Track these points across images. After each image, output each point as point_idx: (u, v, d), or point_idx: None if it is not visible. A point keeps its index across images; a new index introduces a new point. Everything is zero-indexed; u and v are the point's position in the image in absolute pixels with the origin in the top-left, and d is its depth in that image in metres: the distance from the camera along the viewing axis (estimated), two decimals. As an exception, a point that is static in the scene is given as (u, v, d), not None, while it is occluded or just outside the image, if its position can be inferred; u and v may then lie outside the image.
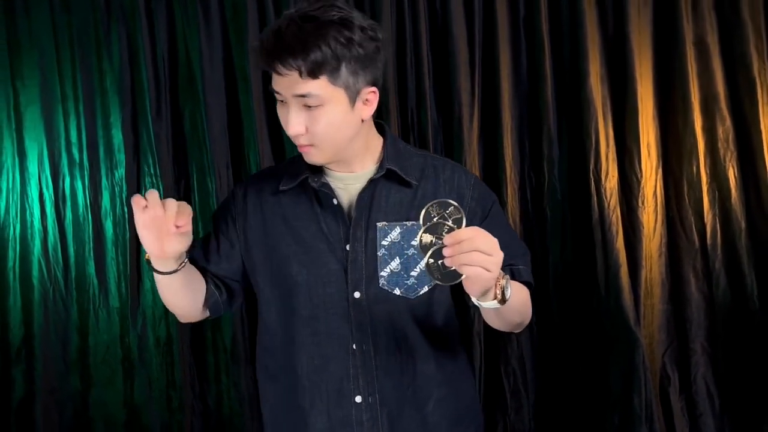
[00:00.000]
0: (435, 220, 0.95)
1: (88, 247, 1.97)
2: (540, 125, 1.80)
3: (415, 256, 1.13)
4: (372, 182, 1.16)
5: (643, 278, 1.74)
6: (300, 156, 1.19)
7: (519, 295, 1.17)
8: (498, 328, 1.20)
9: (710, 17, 1.74)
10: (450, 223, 0.95)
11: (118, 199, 1.96)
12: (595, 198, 1.74)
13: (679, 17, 1.72)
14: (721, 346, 1.74)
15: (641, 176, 1.74)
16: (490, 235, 0.94)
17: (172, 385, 1.97)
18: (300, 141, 1.08)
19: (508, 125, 1.81)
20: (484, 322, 1.65)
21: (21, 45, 1.95)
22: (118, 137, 1.95)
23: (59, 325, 2.00)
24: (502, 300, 1.01)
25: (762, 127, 1.69)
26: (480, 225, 1.21)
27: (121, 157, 1.95)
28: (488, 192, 1.28)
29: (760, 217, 1.70)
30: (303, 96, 1.02)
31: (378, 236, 1.14)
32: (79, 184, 1.98)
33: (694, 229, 1.75)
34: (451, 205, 0.96)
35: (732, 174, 1.72)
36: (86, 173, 1.97)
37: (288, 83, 1.01)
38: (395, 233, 1.12)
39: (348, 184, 1.18)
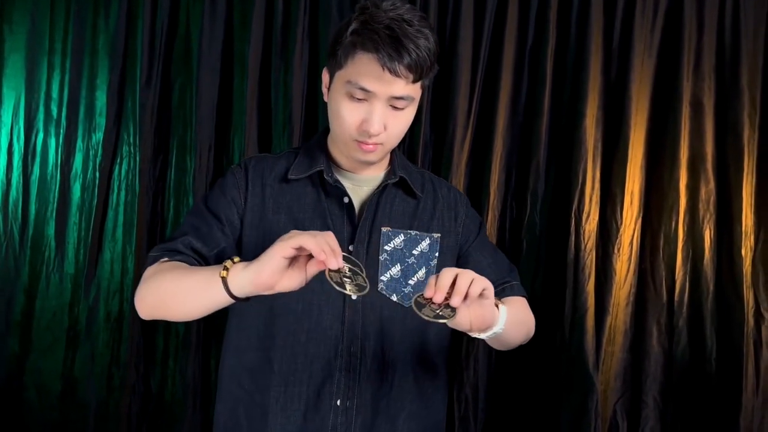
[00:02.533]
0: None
1: (51, 207, 1.90)
2: (530, 158, 1.80)
3: (415, 266, 1.13)
4: (384, 187, 1.17)
5: (608, 325, 1.75)
6: (311, 148, 1.19)
7: (516, 309, 1.18)
8: (502, 349, 1.21)
9: (710, 80, 1.77)
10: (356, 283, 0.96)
11: (91, 163, 1.89)
12: (573, 238, 1.75)
13: (680, 75, 1.74)
14: (674, 402, 1.75)
15: (621, 223, 1.75)
16: (466, 270, 0.95)
17: (115, 363, 1.90)
18: (374, 139, 1.09)
19: (499, 153, 1.81)
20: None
21: (13, -12, 1.88)
22: (101, 100, 1.88)
23: (7, 283, 1.91)
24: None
25: (743, 193, 1.72)
26: (473, 242, 1.24)
27: (101, 120, 1.88)
28: (476, 213, 1.36)
29: (729, 282, 1.72)
30: (400, 98, 1.06)
31: (381, 241, 1.14)
32: (52, 142, 1.90)
33: (663, 284, 1.76)
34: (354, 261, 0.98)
35: (708, 236, 1.74)
36: (62, 131, 1.89)
37: (390, 84, 1.04)
38: (399, 240, 1.12)
39: (357, 185, 1.19)
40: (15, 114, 1.90)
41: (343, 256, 0.93)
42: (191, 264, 1.10)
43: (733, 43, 1.76)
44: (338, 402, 1.12)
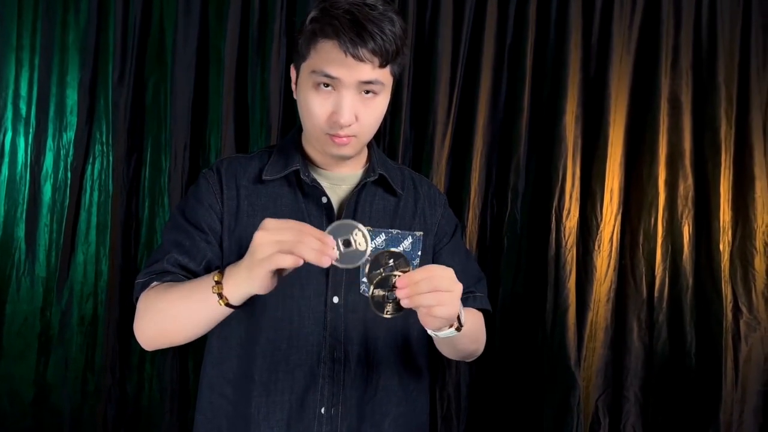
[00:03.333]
0: (383, 272, 0.94)
1: (21, 208, 1.84)
2: (510, 155, 1.80)
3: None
4: (363, 186, 1.14)
5: (589, 321, 1.75)
6: (285, 146, 1.16)
7: (474, 322, 1.16)
8: (452, 358, 1.18)
9: (687, 76, 1.78)
10: (398, 272, 0.95)
11: (62, 163, 1.84)
12: (553, 235, 1.75)
13: (658, 72, 1.75)
14: (654, 397, 1.77)
15: (601, 220, 1.76)
16: (446, 268, 0.94)
17: (90, 368, 1.85)
18: (346, 131, 1.05)
19: (479, 150, 1.80)
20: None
21: (-21, -17, 1.82)
22: (72, 98, 1.83)
23: (-25, 287, 1.85)
24: (459, 327, 1.00)
25: (721, 189, 1.73)
26: (446, 244, 1.21)
27: (72, 119, 1.83)
28: (453, 215, 1.33)
29: (708, 277, 1.73)
30: (368, 83, 1.02)
31: None
32: (21, 141, 1.84)
33: (643, 280, 1.77)
34: (401, 256, 0.96)
35: (687, 231, 1.76)
36: (31, 130, 1.83)
37: (357, 69, 1.01)
38: (379, 240, 1.10)
39: (334, 184, 1.15)
40: (-19, 113, 1.83)
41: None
42: (179, 281, 1.06)
43: (709, 40, 1.77)
44: (323, 410, 1.10)
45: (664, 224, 1.77)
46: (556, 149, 1.75)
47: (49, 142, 1.84)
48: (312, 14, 1.03)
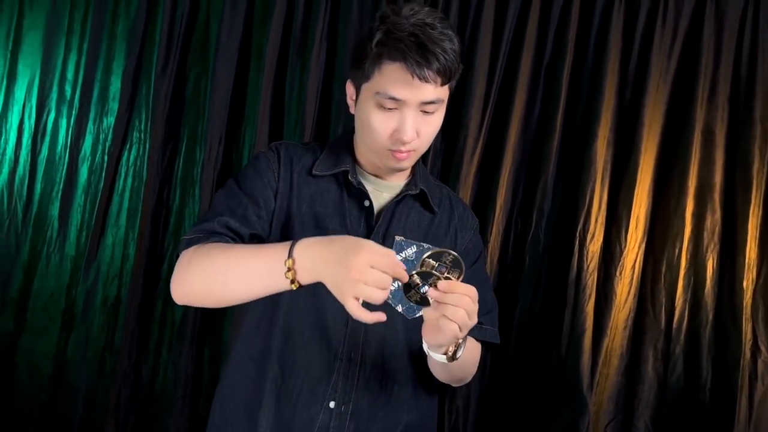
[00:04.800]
0: (435, 266, 0.97)
1: (57, 188, 1.90)
2: (538, 174, 1.80)
3: None
4: (403, 197, 1.17)
5: (605, 347, 1.74)
6: (336, 146, 1.19)
7: (471, 355, 1.17)
8: (439, 378, 1.19)
9: (723, 110, 1.77)
10: (445, 275, 0.97)
11: (100, 147, 1.89)
12: (576, 257, 1.75)
13: (694, 102, 1.75)
14: (665, 429, 1.75)
15: (625, 246, 1.75)
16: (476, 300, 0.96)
17: (109, 348, 1.89)
18: (407, 147, 1.09)
19: (508, 167, 1.81)
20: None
21: (39, -35, 1.88)
22: (116, 85, 1.88)
23: (6, 260, 1.91)
24: (452, 358, 1.02)
25: (749, 225, 1.72)
26: (468, 268, 1.23)
27: (114, 105, 1.88)
28: (481, 242, 1.36)
29: (729, 313, 1.72)
30: (430, 102, 1.05)
31: (393, 249, 1.13)
32: (63, 122, 1.90)
33: (663, 310, 1.76)
34: (460, 265, 0.98)
35: (711, 265, 1.74)
36: (74, 113, 1.89)
37: (421, 90, 1.04)
38: (410, 251, 1.12)
39: (378, 190, 1.19)
40: (28, 92, 1.90)
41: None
42: (228, 242, 1.07)
43: (748, 76, 1.76)
44: (331, 404, 1.12)
45: (688, 256, 1.76)
46: (585, 172, 1.75)
47: (90, 125, 1.89)
48: (377, 37, 1.04)
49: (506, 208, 1.83)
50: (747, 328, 1.71)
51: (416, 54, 1.01)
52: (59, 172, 1.89)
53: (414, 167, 1.25)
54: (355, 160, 1.21)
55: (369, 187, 1.19)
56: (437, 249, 0.96)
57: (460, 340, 1.02)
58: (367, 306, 1.11)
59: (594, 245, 1.75)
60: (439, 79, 1.04)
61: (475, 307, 0.95)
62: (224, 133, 1.85)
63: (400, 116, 1.06)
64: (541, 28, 1.81)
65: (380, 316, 0.90)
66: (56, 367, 1.89)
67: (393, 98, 1.04)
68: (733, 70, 1.78)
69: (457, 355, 1.03)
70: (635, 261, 1.78)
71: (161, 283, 1.87)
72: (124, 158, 1.89)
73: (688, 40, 1.78)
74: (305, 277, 0.93)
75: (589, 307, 1.73)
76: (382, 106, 1.06)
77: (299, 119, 1.81)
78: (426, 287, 0.95)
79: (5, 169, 1.90)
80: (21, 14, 1.88)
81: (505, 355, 1.82)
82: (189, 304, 1.07)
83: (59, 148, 1.90)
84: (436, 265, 0.96)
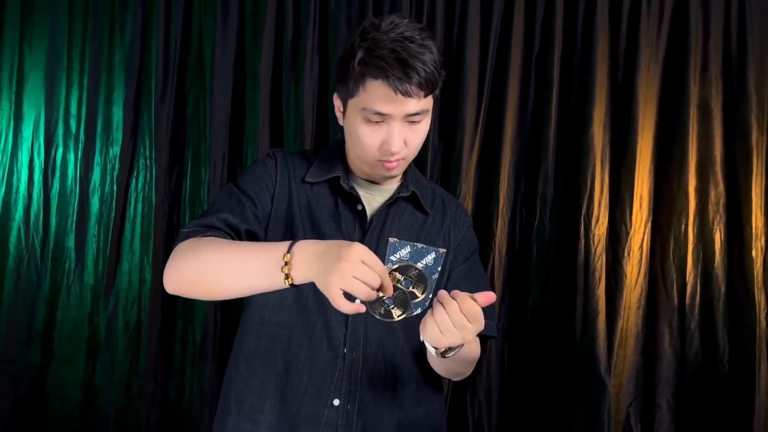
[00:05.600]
0: (399, 284, 0.97)
1: (71, 220, 1.95)
2: (538, 164, 1.82)
3: None
4: (395, 200, 1.19)
5: (619, 328, 1.75)
6: (329, 154, 1.23)
7: (469, 350, 1.18)
8: (439, 372, 1.21)
9: (717, 83, 1.78)
10: (410, 289, 0.98)
11: (108, 177, 1.94)
12: (582, 242, 1.76)
13: (687, 79, 1.76)
14: (687, 405, 1.76)
15: (630, 227, 1.76)
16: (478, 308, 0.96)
17: (134, 371, 1.94)
18: (396, 157, 1.11)
19: (508, 159, 1.83)
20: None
21: (34, 7, 1.94)
22: (118, 115, 1.93)
23: (29, 294, 1.97)
24: (442, 355, 1.03)
25: (753, 195, 1.72)
26: (460, 264, 1.25)
27: (118, 135, 1.93)
28: (475, 238, 1.37)
29: (740, 284, 1.72)
30: (415, 114, 1.08)
31: (388, 251, 1.16)
32: (71, 156, 1.96)
33: (674, 287, 1.77)
34: (425, 280, 0.99)
35: (718, 238, 1.75)
36: (80, 146, 1.95)
37: (405, 104, 1.06)
38: (405, 251, 1.14)
39: (370, 194, 1.22)
40: (35, 130, 1.95)
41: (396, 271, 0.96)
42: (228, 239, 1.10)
43: (739, 47, 1.77)
44: (336, 402, 1.15)
45: (695, 231, 1.77)
46: (584, 157, 1.77)
47: (97, 157, 1.95)
48: (358, 56, 1.06)
49: (509, 199, 1.84)
50: (760, 296, 1.72)
51: (398, 71, 1.03)
52: (72, 204, 1.95)
53: (405, 170, 1.27)
54: (346, 167, 1.24)
55: (361, 192, 1.22)
56: (404, 263, 0.98)
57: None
58: (375, 307, 1.14)
59: (599, 229, 1.76)
60: (421, 92, 1.06)
61: (472, 326, 0.95)
62: (227, 151, 1.89)
63: (387, 129, 1.09)
64: (527, 19, 1.83)
65: (359, 308, 0.91)
66: (85, 394, 1.94)
67: (379, 113, 1.07)
68: (724, 43, 1.79)
69: (447, 355, 1.04)
70: (642, 240, 1.79)
71: (179, 305, 1.91)
72: (133, 185, 1.94)
73: (675, 16, 1.79)
74: (299, 274, 0.94)
75: (600, 290, 1.74)
76: (368, 121, 1.09)
77: (298, 130, 1.84)
78: (391, 302, 0.97)
79: (20, 206, 1.95)
80: (21, 56, 1.94)
81: (522, 345, 1.83)
82: (180, 294, 1.08)
83: (70, 181, 1.95)
84: (402, 278, 0.98)
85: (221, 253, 1.01)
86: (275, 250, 0.96)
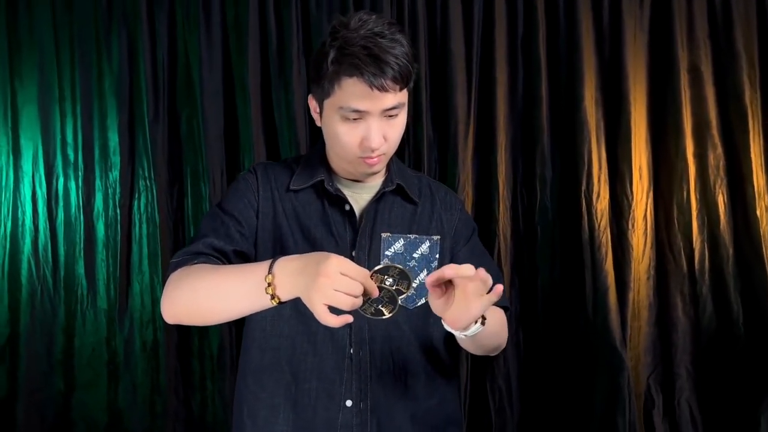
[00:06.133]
0: (382, 284, 0.98)
1: (78, 247, 1.97)
2: (534, 145, 1.82)
3: (416, 268, 1.16)
4: (381, 195, 1.20)
5: (631, 300, 1.75)
6: (310, 159, 1.24)
7: (495, 319, 1.19)
8: (476, 353, 1.22)
9: (705, 46, 1.77)
10: (395, 287, 0.99)
11: (111, 201, 1.96)
12: (585, 219, 1.76)
13: (674, 44, 1.75)
14: (706, 371, 1.75)
15: (632, 199, 1.76)
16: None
17: (156, 390, 1.96)
18: (377, 152, 1.12)
19: (503, 144, 1.83)
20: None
21: (21, 44, 1.95)
22: (114, 139, 1.95)
23: (45, 324, 1.99)
24: (483, 321, 1.04)
25: (752, 155, 1.72)
26: (463, 246, 1.26)
27: (116, 159, 1.95)
28: (471, 219, 1.38)
29: (748, 244, 1.72)
30: (391, 108, 1.09)
31: (382, 246, 1.17)
32: (72, 185, 1.97)
33: (682, 254, 1.76)
34: (407, 278, 1.00)
35: (721, 201, 1.75)
36: (80, 174, 1.96)
37: (381, 99, 1.07)
38: (399, 244, 1.15)
39: (356, 193, 1.23)
40: (35, 162, 1.97)
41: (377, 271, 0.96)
42: (215, 264, 1.11)
43: (724, 8, 1.76)
44: (348, 402, 1.15)
45: (698, 196, 1.76)
46: (578, 134, 1.77)
47: (98, 182, 1.96)
48: (331, 55, 1.08)
49: (509, 183, 1.85)
50: (768, 255, 1.71)
51: (371, 67, 1.04)
52: (78, 232, 1.97)
53: (389, 164, 1.28)
54: (329, 169, 1.25)
55: (347, 192, 1.22)
56: (385, 264, 0.99)
57: None
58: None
59: (601, 203, 1.76)
60: (397, 86, 1.08)
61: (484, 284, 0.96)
62: (224, 165, 1.90)
63: (366, 125, 1.10)
64: (509, 2, 1.83)
65: (346, 318, 0.91)
66: (110, 417, 1.96)
67: (356, 110, 1.08)
68: (708, 4, 1.78)
69: (486, 317, 1.04)
70: (645, 211, 1.78)
71: (193, 320, 1.93)
72: (135, 207, 1.95)
73: (657, -17, 1.79)
74: (284, 293, 0.95)
75: (608, 265, 1.74)
76: (346, 119, 1.10)
77: (292, 137, 1.85)
78: (379, 302, 0.98)
79: (27, 239, 1.97)
80: (14, 92, 1.96)
81: (536, 327, 1.84)
82: (179, 323, 1.10)
83: (73, 209, 1.97)
84: (385, 278, 0.98)
85: (209, 281, 1.03)
86: (257, 271, 0.98)
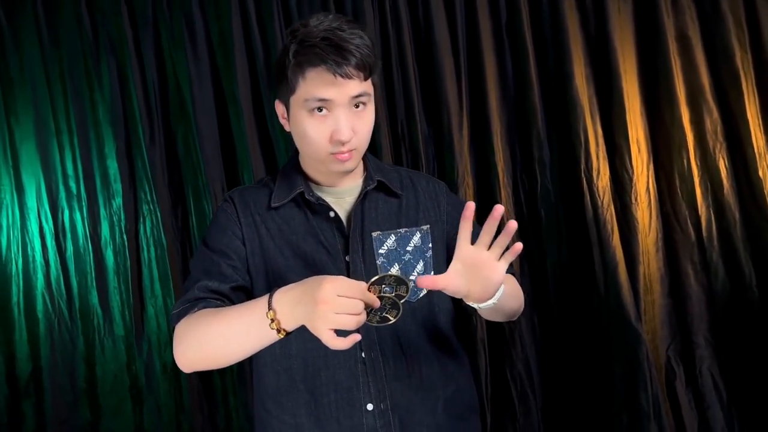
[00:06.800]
0: (383, 294, 0.99)
1: (90, 277, 1.99)
2: (529, 129, 1.81)
3: (412, 261, 1.15)
4: (365, 194, 1.19)
5: (642, 274, 1.74)
6: (286, 173, 1.23)
7: (508, 285, 1.20)
8: (499, 320, 1.23)
9: (690, 11, 1.76)
10: (395, 293, 1.00)
11: (117, 228, 1.98)
12: (588, 197, 1.75)
13: (660, 13, 1.74)
14: (724, 337, 1.74)
15: (633, 173, 1.75)
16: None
17: (181, 410, 1.98)
18: (347, 146, 1.12)
19: (498, 131, 1.82)
20: (487, 328, 1.68)
21: (13, 81, 1.98)
22: (113, 167, 1.96)
23: (66, 356, 2.01)
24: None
25: (748, 116, 1.70)
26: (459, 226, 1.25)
27: (117, 186, 1.97)
28: (459, 199, 1.38)
29: (753, 206, 1.70)
30: (358, 96, 1.10)
31: (375, 245, 1.17)
32: (78, 216, 2.00)
33: (689, 223, 1.75)
34: (404, 283, 1.00)
35: (722, 165, 1.73)
36: (84, 204, 1.98)
37: (346, 86, 1.08)
38: (390, 241, 1.15)
39: (339, 198, 1.22)
40: (38, 198, 2.00)
41: (374, 282, 0.97)
42: (215, 306, 1.12)
43: (706, -31, 1.75)
44: (369, 406, 1.15)
45: (698, 163, 1.75)
46: (572, 113, 1.76)
47: (102, 211, 1.98)
48: (292, 49, 1.09)
49: (508, 169, 1.84)
50: (775, 214, 1.70)
51: (333, 54, 1.05)
52: (87, 262, 1.99)
53: (365, 163, 1.27)
54: (307, 178, 1.24)
55: (329, 199, 1.22)
56: (380, 275, 0.98)
57: None
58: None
59: (602, 180, 1.75)
60: (361, 74, 1.08)
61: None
62: (224, 181, 1.91)
63: (333, 117, 1.10)
64: (489, -12, 1.82)
65: (354, 338, 0.93)
66: (139, 440, 1.99)
67: (322, 99, 1.08)
68: (690, -31, 1.76)
69: (488, 303, 1.07)
70: (648, 183, 1.77)
71: (210, 337, 1.94)
72: (141, 232, 1.97)
73: (636, -47, 1.77)
74: (288, 324, 0.96)
75: (615, 241, 1.73)
76: (313, 112, 1.10)
77: (288, 146, 1.86)
78: (382, 310, 0.98)
79: (39, 275, 2.00)
80: (11, 130, 1.99)
81: (550, 311, 1.84)
82: (197, 370, 1.11)
83: (81, 240, 1.99)
84: (383, 287, 0.99)
85: (213, 328, 1.04)
86: (257, 309, 0.99)
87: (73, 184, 1.99)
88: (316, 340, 1.13)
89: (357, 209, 1.20)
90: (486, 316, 1.18)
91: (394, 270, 1.04)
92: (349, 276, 1.15)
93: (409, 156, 1.86)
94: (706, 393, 1.74)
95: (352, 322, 0.90)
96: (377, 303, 0.94)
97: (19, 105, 1.99)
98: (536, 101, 1.80)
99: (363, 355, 1.16)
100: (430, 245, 1.21)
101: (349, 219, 1.21)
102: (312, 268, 1.17)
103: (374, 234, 1.13)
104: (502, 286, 1.06)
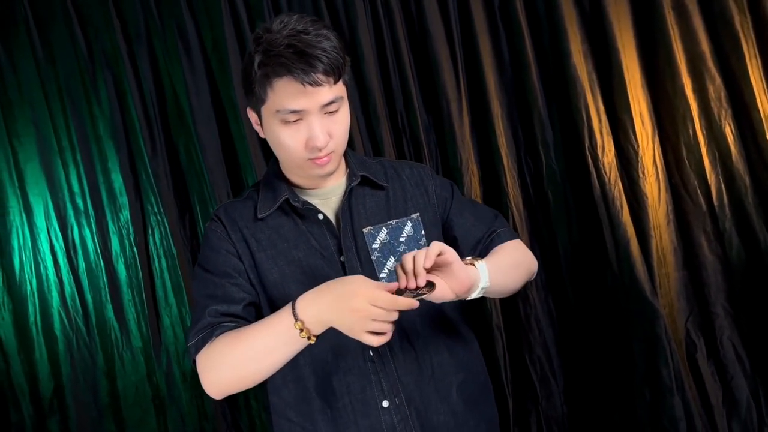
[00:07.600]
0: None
1: (104, 292, 2.00)
2: (530, 110, 1.80)
3: (407, 251, 1.15)
4: (350, 191, 1.18)
5: (654, 248, 1.72)
6: (269, 181, 1.22)
7: (503, 256, 1.19)
8: (510, 293, 1.25)
9: (685, -22, 1.73)
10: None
11: (126, 242, 1.99)
12: (594, 175, 1.73)
13: (654, -18, 1.71)
14: (743, 306, 1.72)
15: (638, 146, 1.73)
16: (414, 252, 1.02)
17: (204, 417, 1.99)
18: (324, 151, 1.10)
19: (499, 115, 1.81)
20: (503, 314, 1.67)
21: (12, 102, 1.99)
22: (118, 180, 1.97)
23: (87, 371, 2.03)
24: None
25: (752, 80, 1.66)
26: (451, 207, 1.26)
27: (123, 199, 1.97)
28: (445, 179, 1.36)
29: (763, 171, 1.67)
30: (330, 103, 1.08)
31: (367, 241, 1.16)
32: (87, 232, 2.01)
33: (699, 193, 1.73)
34: (428, 284, 1.03)
35: (729, 132, 1.70)
36: (92, 220, 2.00)
37: (317, 94, 1.06)
38: (383, 234, 1.15)
39: (325, 199, 1.21)
40: (47, 216, 2.01)
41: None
42: (231, 329, 1.11)
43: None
44: (384, 403, 1.15)
45: (704, 132, 1.72)
46: (572, 91, 1.74)
47: (110, 225, 1.99)
48: (257, 59, 1.06)
49: (512, 153, 1.83)
50: (787, 178, 1.67)
51: (300, 63, 1.02)
52: (100, 277, 2.00)
53: (347, 159, 1.26)
54: (290, 183, 1.22)
55: (315, 201, 1.21)
56: (409, 293, 1.00)
57: (473, 263, 1.07)
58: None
59: (608, 157, 1.73)
60: (330, 79, 1.06)
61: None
62: (229, 187, 1.91)
63: (307, 125, 1.08)
64: (479, -28, 1.80)
65: (388, 337, 0.99)
66: (165, 451, 2.00)
67: (294, 111, 1.06)
68: (681, -66, 1.73)
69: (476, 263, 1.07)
70: (654, 156, 1.75)
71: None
72: (151, 243, 1.98)
73: (625, -76, 1.74)
74: (317, 329, 1.01)
75: (625, 217, 1.71)
76: (286, 122, 1.08)
77: (289, 147, 1.85)
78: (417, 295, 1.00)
79: (54, 293, 2.02)
80: (14, 151, 2.00)
81: (564, 292, 1.82)
82: (230, 394, 1.12)
83: (92, 256, 2.00)
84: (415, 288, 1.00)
85: (242, 349, 1.06)
86: (283, 322, 1.02)
87: (80, 201, 2.00)
88: (321, 347, 1.13)
89: (344, 207, 1.19)
90: (495, 295, 1.19)
91: (402, 239, 1.05)
92: (346, 275, 1.14)
93: (411, 147, 1.85)
94: (728, 364, 1.72)
95: (387, 326, 0.97)
96: (416, 304, 0.98)
97: (20, 125, 2.00)
98: (535, 82, 1.78)
99: (371, 353, 1.16)
100: (423, 232, 1.20)
101: (338, 218, 1.20)
102: (308, 274, 1.17)
103: (365, 230, 1.13)
104: (484, 274, 1.06)
